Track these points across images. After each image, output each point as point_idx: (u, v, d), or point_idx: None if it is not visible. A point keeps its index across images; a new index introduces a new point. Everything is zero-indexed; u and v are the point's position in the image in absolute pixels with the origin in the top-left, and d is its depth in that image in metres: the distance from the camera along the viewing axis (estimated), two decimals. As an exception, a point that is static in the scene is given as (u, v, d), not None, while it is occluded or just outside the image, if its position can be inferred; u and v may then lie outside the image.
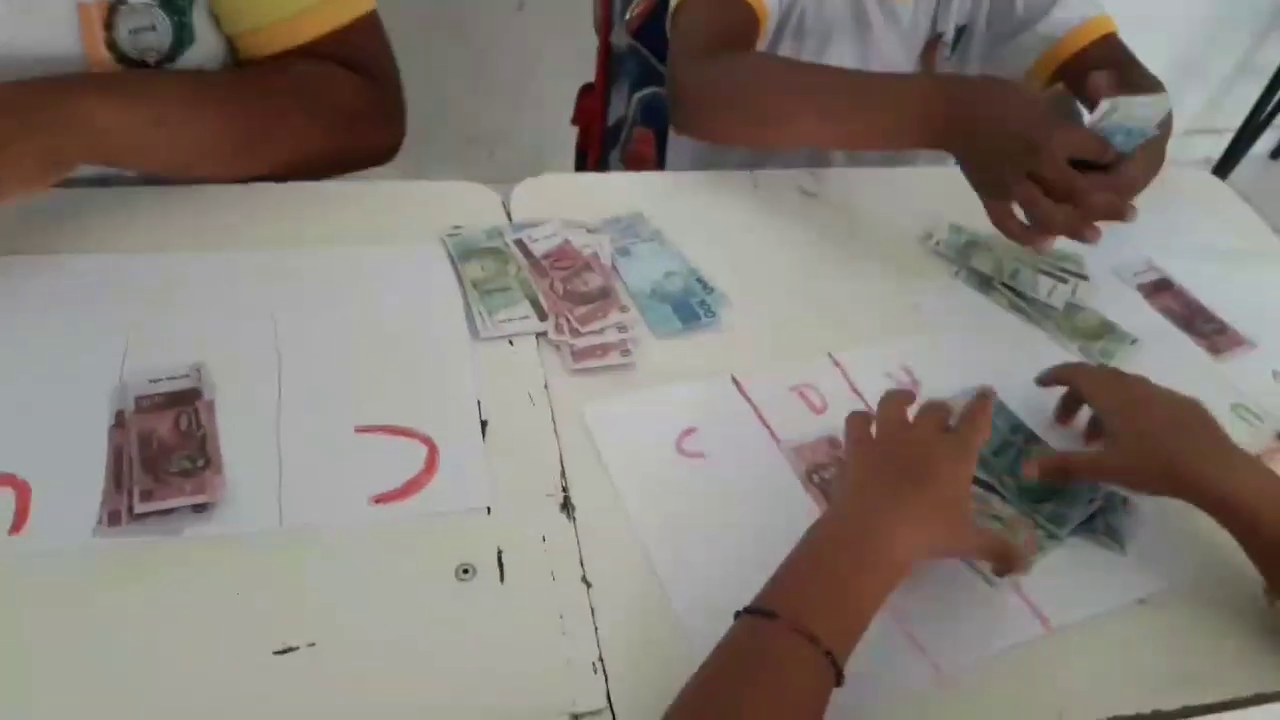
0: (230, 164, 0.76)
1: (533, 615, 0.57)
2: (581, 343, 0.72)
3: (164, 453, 0.60)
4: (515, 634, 0.56)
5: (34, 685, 0.50)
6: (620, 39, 1.33)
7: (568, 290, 0.75)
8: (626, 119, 1.38)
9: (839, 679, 0.49)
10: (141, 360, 0.65)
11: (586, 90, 1.40)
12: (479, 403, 0.67)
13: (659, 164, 1.38)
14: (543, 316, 0.73)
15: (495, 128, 2.00)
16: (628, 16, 1.30)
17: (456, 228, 0.79)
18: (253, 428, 0.63)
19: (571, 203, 0.84)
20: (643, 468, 0.65)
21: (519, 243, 0.79)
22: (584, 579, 0.59)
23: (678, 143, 1.29)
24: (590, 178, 0.85)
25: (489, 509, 0.61)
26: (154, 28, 0.75)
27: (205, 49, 0.79)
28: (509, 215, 0.82)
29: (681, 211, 0.85)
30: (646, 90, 1.36)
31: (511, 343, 0.72)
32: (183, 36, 0.77)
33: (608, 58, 1.35)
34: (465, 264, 0.76)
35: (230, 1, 0.78)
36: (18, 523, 0.56)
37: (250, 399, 0.64)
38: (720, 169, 0.96)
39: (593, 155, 1.40)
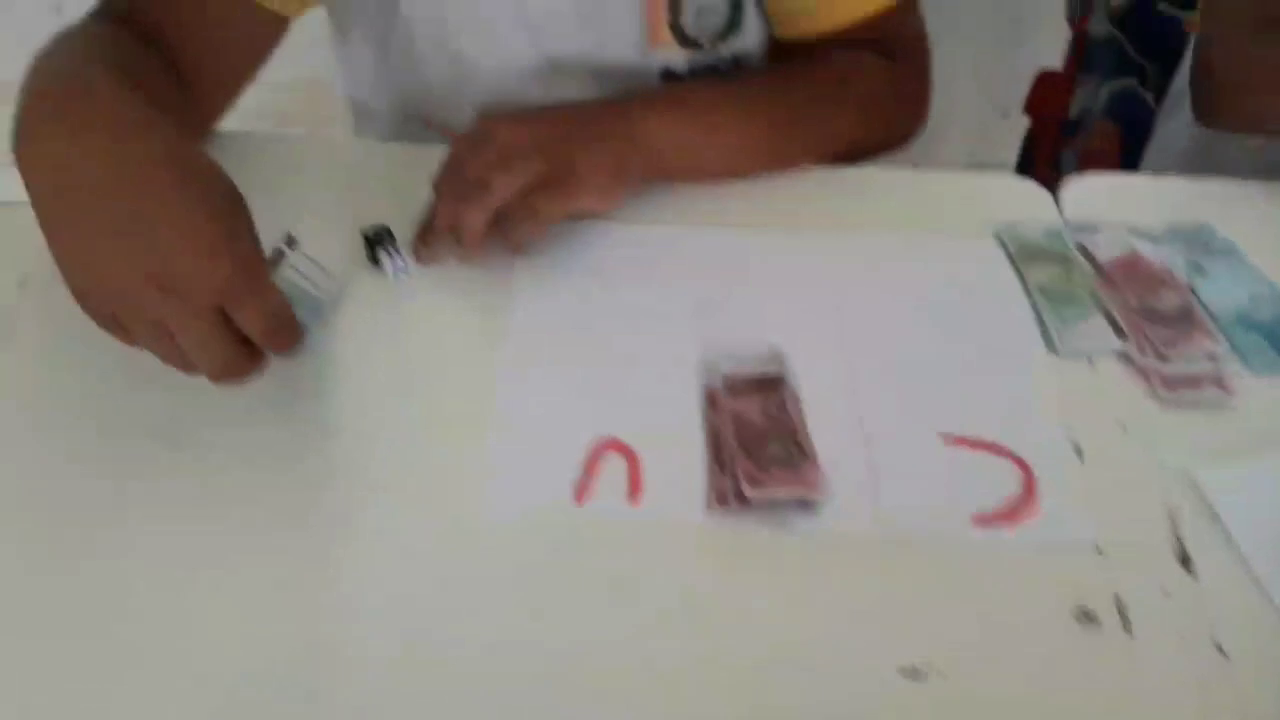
0: (770, 162, 0.75)
1: (1164, 679, 0.51)
2: (1170, 369, 0.64)
3: (758, 438, 0.58)
4: (1145, 698, 0.50)
5: (643, 648, 0.50)
6: (1099, 26, 1.22)
7: (1144, 308, 0.68)
8: (1092, 111, 1.27)
9: None
10: (717, 334, 0.64)
11: (1045, 77, 1.30)
12: (1068, 427, 0.61)
13: (1121, 163, 1.26)
14: (1120, 334, 0.66)
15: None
16: (1114, 1, 1.19)
17: (1013, 224, 0.73)
18: (835, 421, 0.60)
19: (1127, 206, 0.76)
20: (1273, 540, 0.56)
21: (1081, 247, 0.72)
22: (1218, 648, 0.52)
23: (1163, 141, 1.17)
24: (1144, 180, 0.77)
25: (1098, 548, 0.56)
26: (715, 7, 0.75)
27: (750, 35, 0.78)
28: (1061, 214, 0.75)
29: (1251, 225, 0.75)
30: (1119, 81, 1.25)
31: (1091, 361, 0.65)
32: (735, 19, 0.77)
33: (1082, 47, 1.24)
34: (1027, 266, 0.70)
35: None
36: (633, 490, 0.56)
37: (827, 389, 0.62)
38: (1217, 174, 0.85)
39: (1046, 146, 1.30)
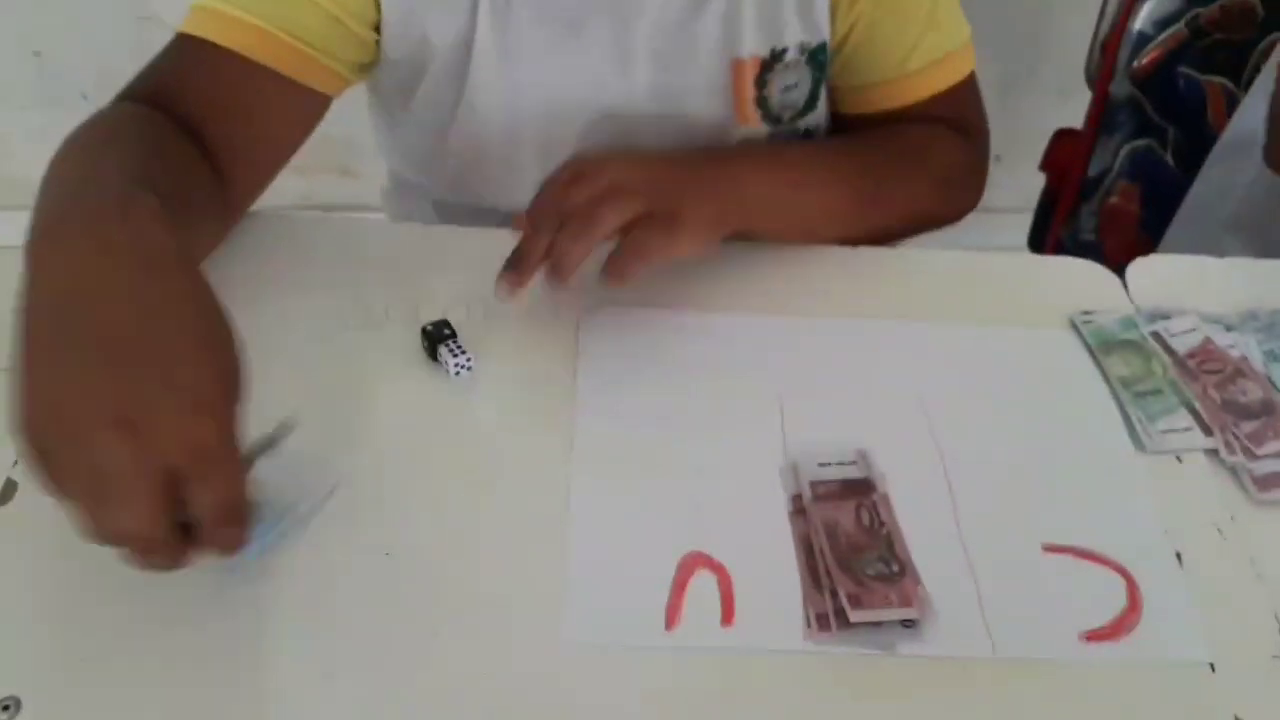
0: (848, 226, 0.74)
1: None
2: (1260, 467, 0.63)
3: (854, 550, 0.56)
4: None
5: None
6: (1121, 88, 1.22)
7: (1225, 400, 0.66)
8: (1111, 170, 1.27)
9: None
10: (797, 434, 0.62)
11: (1063, 136, 1.30)
12: (1166, 531, 0.59)
13: (1140, 222, 1.26)
14: (1205, 429, 0.64)
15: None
16: (1136, 64, 1.19)
17: (1086, 313, 0.71)
18: (932, 529, 0.58)
19: (1196, 289, 0.74)
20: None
21: (1156, 336, 0.70)
22: (1347, 771, 0.50)
23: (1195, 202, 1.17)
24: (1210, 262, 0.76)
25: (1212, 665, 0.53)
26: (798, 85, 0.75)
27: (819, 111, 0.78)
28: (1131, 300, 0.74)
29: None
30: (1139, 142, 1.25)
31: (1180, 459, 0.63)
32: (815, 93, 0.76)
33: (1103, 106, 1.24)
34: (1106, 358, 0.68)
35: (854, 57, 0.76)
36: (726, 614, 0.53)
37: (917, 492, 0.59)
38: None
39: (1065, 205, 1.30)
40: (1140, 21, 1.18)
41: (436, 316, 0.64)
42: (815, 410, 0.63)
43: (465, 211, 0.82)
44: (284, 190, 0.73)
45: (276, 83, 0.66)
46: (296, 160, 0.71)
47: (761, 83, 0.73)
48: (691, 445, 0.61)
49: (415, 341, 0.64)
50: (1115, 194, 1.26)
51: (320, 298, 0.66)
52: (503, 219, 0.73)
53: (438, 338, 0.62)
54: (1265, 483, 0.62)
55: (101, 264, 0.45)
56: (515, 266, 0.60)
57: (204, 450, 0.43)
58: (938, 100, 0.77)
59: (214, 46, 0.64)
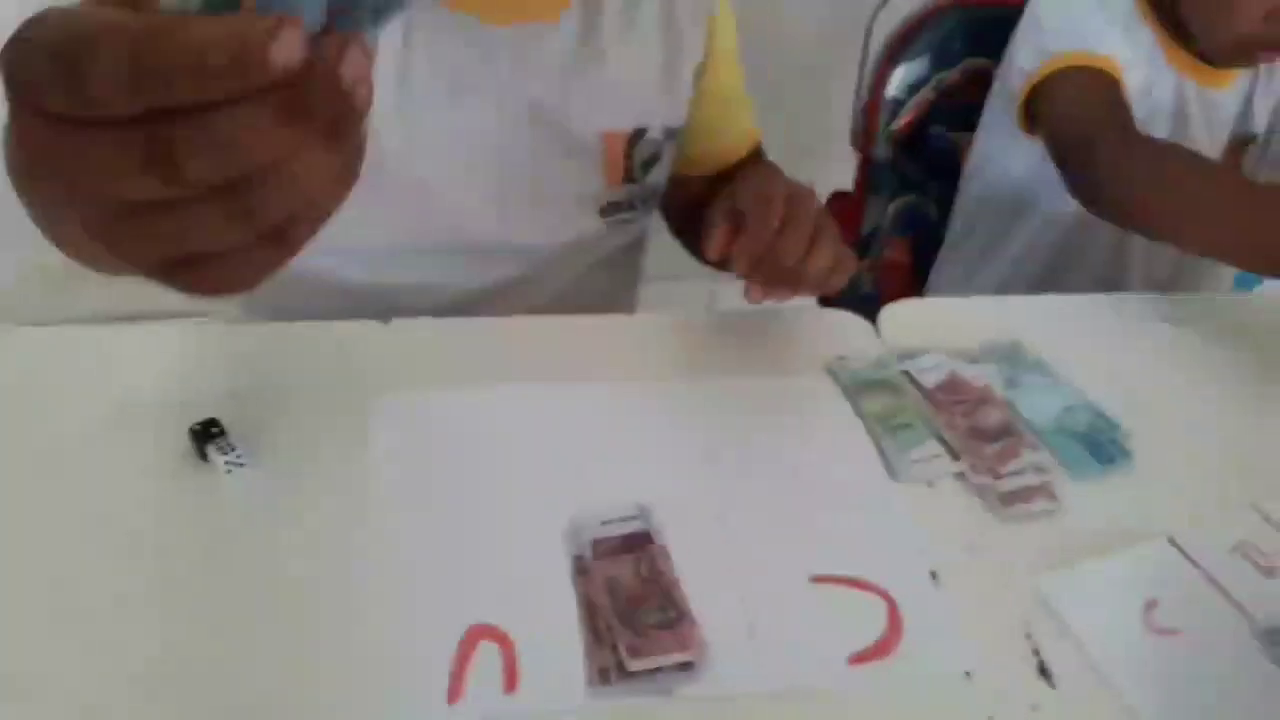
0: None
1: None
2: (1004, 485, 0.68)
3: (633, 603, 0.58)
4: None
5: None
6: (882, 151, 1.32)
7: (970, 427, 0.72)
8: (882, 228, 1.36)
9: None
10: (580, 496, 0.64)
11: (837, 197, 1.39)
12: (920, 552, 0.64)
13: (913, 271, 1.36)
14: (954, 455, 0.70)
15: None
16: (893, 127, 1.30)
17: (840, 358, 0.76)
18: (707, 574, 0.60)
19: (940, 328, 0.81)
20: (1119, 644, 0.60)
21: (906, 374, 0.76)
22: (1088, 757, 0.54)
23: (955, 252, 1.27)
24: (953, 302, 0.83)
25: (967, 673, 0.57)
26: (657, 156, 0.85)
27: (665, 168, 0.90)
28: (882, 342, 0.80)
29: (1055, 340, 0.82)
30: (904, 198, 1.35)
31: (931, 485, 0.68)
32: (667, 163, 0.89)
33: (868, 169, 1.34)
34: (860, 397, 0.73)
35: (695, 132, 0.90)
36: (509, 680, 0.54)
37: (695, 542, 0.62)
38: (997, 278, 0.93)
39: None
40: (893, 88, 1.29)
41: (206, 415, 0.63)
42: (596, 472, 0.66)
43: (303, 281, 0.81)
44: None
45: None
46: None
47: (628, 153, 0.84)
48: (478, 521, 0.62)
49: (186, 443, 0.63)
50: (888, 248, 1.36)
51: (89, 405, 0.65)
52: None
53: (205, 437, 0.62)
54: (1009, 499, 0.68)
55: None
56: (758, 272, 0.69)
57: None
58: (742, 162, 0.93)
59: None
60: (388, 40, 0.73)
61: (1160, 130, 1.08)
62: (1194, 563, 0.66)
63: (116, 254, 0.27)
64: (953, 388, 0.75)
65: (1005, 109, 1.12)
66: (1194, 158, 0.92)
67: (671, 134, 0.88)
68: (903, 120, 1.29)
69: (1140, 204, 0.89)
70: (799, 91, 1.71)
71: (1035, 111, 1.06)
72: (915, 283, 1.35)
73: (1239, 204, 0.85)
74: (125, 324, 0.74)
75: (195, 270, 0.27)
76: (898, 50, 1.28)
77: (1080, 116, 0.98)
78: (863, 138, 1.33)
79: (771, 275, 0.68)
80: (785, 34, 1.75)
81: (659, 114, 0.86)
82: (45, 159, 0.27)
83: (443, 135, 0.78)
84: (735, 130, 0.94)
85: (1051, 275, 1.18)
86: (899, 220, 1.36)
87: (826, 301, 1.19)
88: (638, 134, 0.85)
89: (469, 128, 0.79)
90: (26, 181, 0.32)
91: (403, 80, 0.75)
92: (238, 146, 0.24)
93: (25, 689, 0.51)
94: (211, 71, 0.23)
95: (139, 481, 0.62)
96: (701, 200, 0.82)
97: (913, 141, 1.30)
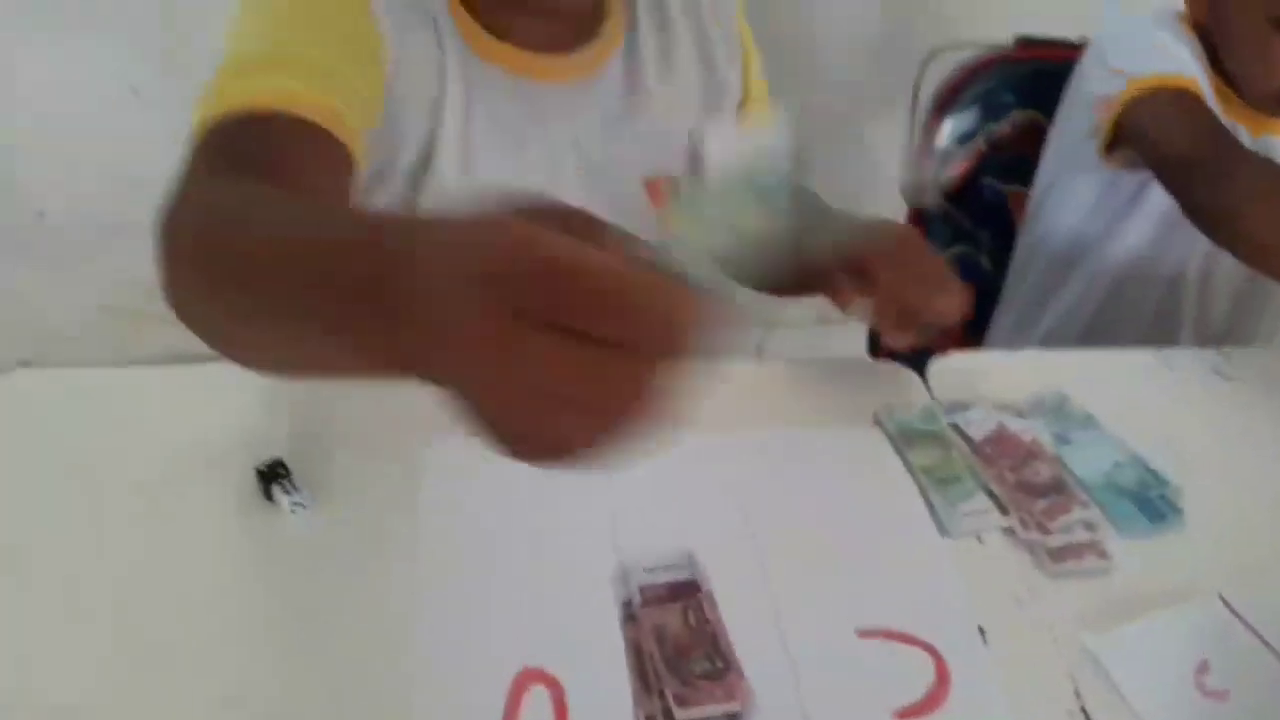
0: None
1: None
2: (1053, 541, 0.68)
3: (681, 651, 0.58)
4: None
5: None
6: (933, 202, 1.33)
7: (1019, 481, 0.72)
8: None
9: None
10: (628, 543, 0.65)
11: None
12: (969, 607, 0.64)
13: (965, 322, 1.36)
14: (1003, 510, 0.70)
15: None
16: (944, 179, 1.31)
17: (888, 408, 0.77)
18: (753, 624, 0.61)
19: (989, 381, 0.82)
20: (1168, 705, 0.59)
21: (954, 427, 0.76)
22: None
23: (1010, 302, 1.27)
24: (1001, 355, 0.83)
25: (1015, 730, 0.57)
26: None
27: None
28: (931, 395, 0.80)
29: (1103, 394, 0.82)
30: (956, 248, 1.36)
31: (980, 539, 0.69)
32: None
33: (918, 221, 1.35)
34: (909, 449, 0.74)
35: None
36: (559, 725, 0.55)
37: (741, 590, 0.63)
38: (1050, 328, 0.93)
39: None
40: (943, 140, 1.30)
41: (271, 456, 0.66)
42: (645, 520, 0.67)
43: None
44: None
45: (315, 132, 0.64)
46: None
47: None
48: (528, 564, 0.63)
49: (251, 483, 0.65)
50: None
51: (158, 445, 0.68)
52: None
53: (270, 477, 0.64)
54: (1059, 555, 0.68)
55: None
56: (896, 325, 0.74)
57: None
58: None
59: (257, 113, 0.62)
60: (453, 97, 0.76)
61: None
62: (1244, 621, 0.65)
63: (505, 430, 0.35)
64: (1001, 441, 0.75)
65: (1071, 150, 1.12)
66: None
67: None
68: (954, 172, 1.30)
69: (1247, 220, 0.89)
70: (845, 145, 1.73)
71: (1125, 135, 1.05)
72: (967, 334, 1.35)
73: None
74: (191, 365, 0.76)
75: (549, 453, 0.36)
76: (947, 102, 1.29)
77: (1182, 133, 0.98)
78: (914, 189, 1.34)
79: (903, 319, 0.73)
80: (831, 85, 1.77)
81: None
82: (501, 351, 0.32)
83: (497, 185, 0.80)
84: None
85: (1104, 326, 1.18)
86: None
87: (876, 352, 1.20)
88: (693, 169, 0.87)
89: (523, 181, 0.81)
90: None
91: (464, 137, 0.78)
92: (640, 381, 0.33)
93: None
94: (675, 330, 0.32)
95: (206, 520, 0.64)
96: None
97: (964, 193, 1.31)
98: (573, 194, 0.83)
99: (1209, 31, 1.08)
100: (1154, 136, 1.01)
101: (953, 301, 0.74)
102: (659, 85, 0.85)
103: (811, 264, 0.77)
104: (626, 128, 0.84)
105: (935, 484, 0.71)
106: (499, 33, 0.77)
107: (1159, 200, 1.04)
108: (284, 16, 0.69)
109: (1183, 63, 1.03)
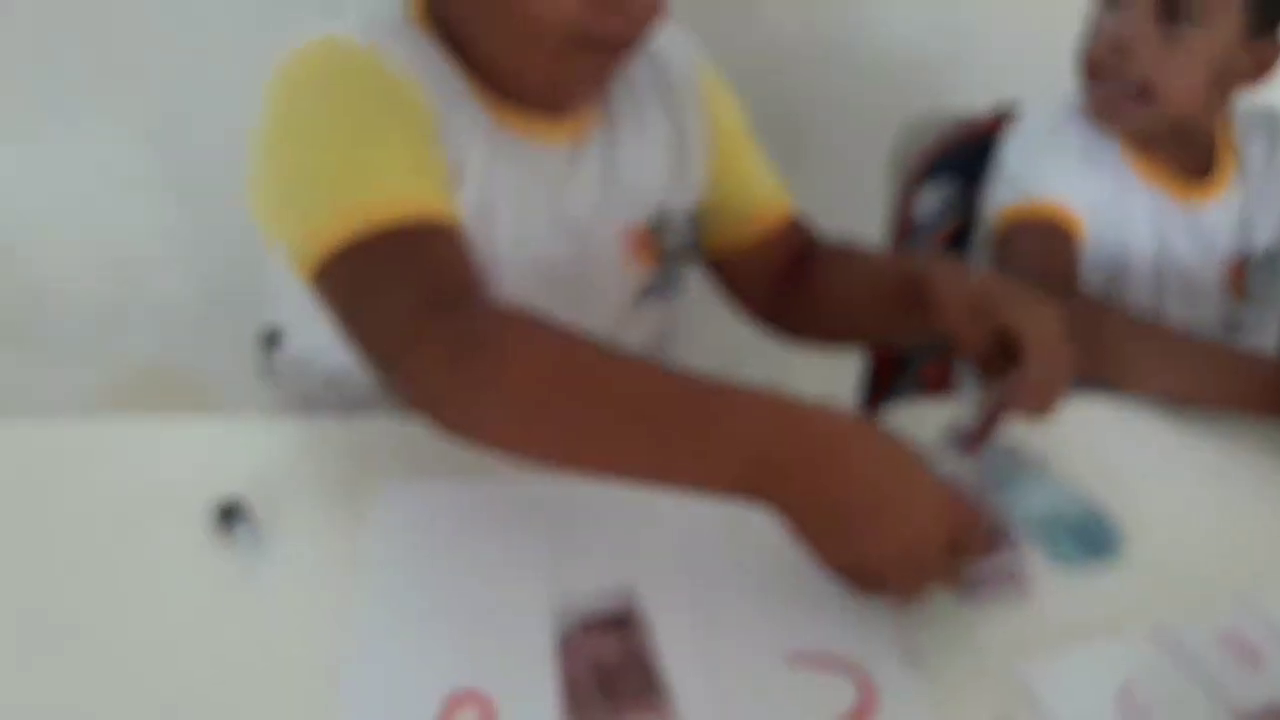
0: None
1: None
2: (976, 574, 0.70)
3: (613, 677, 0.60)
4: None
5: None
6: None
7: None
8: (922, 346, 1.39)
9: None
10: (573, 578, 0.67)
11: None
12: (898, 632, 0.65)
13: (951, 384, 1.38)
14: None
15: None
16: (925, 247, 1.34)
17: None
18: (686, 652, 0.63)
19: (941, 428, 0.84)
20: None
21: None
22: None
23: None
24: (954, 405, 0.86)
25: (940, 754, 0.59)
26: (683, 237, 0.96)
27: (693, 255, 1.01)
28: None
29: (1052, 438, 0.84)
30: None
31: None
32: (695, 244, 1.00)
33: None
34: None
35: (715, 207, 1.00)
36: (482, 744, 0.57)
37: (676, 620, 0.65)
38: None
39: (884, 377, 1.41)
40: (921, 210, 1.34)
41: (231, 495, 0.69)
42: (585, 556, 0.69)
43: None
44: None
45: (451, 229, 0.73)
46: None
47: (657, 240, 0.93)
48: (470, 597, 0.66)
49: (210, 520, 0.69)
50: (927, 362, 1.39)
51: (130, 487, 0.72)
52: None
53: (230, 515, 0.68)
54: (979, 588, 0.69)
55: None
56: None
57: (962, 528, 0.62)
58: (782, 229, 0.99)
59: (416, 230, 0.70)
60: (476, 158, 0.81)
61: (1141, 254, 1.11)
62: (1175, 651, 0.66)
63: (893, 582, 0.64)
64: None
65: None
66: (1127, 317, 0.97)
67: (690, 216, 0.97)
68: (939, 234, 1.34)
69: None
70: (831, 211, 1.77)
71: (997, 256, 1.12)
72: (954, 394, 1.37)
73: (1170, 363, 0.92)
74: (166, 416, 0.81)
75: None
76: (924, 174, 1.33)
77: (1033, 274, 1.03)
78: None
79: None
80: (816, 155, 1.81)
81: (676, 199, 0.95)
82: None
83: (506, 247, 0.84)
84: (759, 198, 1.00)
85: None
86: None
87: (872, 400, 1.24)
88: (663, 220, 0.94)
89: (524, 239, 0.86)
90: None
91: (482, 201, 0.82)
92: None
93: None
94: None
95: (169, 554, 0.68)
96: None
97: (952, 253, 1.34)
98: (565, 247, 0.88)
99: None
100: (1001, 266, 1.09)
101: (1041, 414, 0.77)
102: (632, 141, 0.91)
103: (936, 301, 0.81)
104: (608, 185, 0.90)
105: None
106: (507, 101, 0.84)
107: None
108: (354, 121, 0.73)
109: (1054, 179, 1.07)
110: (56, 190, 1.69)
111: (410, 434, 0.78)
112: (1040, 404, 0.76)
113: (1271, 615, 0.69)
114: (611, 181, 0.90)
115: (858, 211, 1.51)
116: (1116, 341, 0.93)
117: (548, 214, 0.87)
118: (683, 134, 0.95)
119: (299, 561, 0.68)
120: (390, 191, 0.70)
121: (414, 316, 0.65)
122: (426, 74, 0.79)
